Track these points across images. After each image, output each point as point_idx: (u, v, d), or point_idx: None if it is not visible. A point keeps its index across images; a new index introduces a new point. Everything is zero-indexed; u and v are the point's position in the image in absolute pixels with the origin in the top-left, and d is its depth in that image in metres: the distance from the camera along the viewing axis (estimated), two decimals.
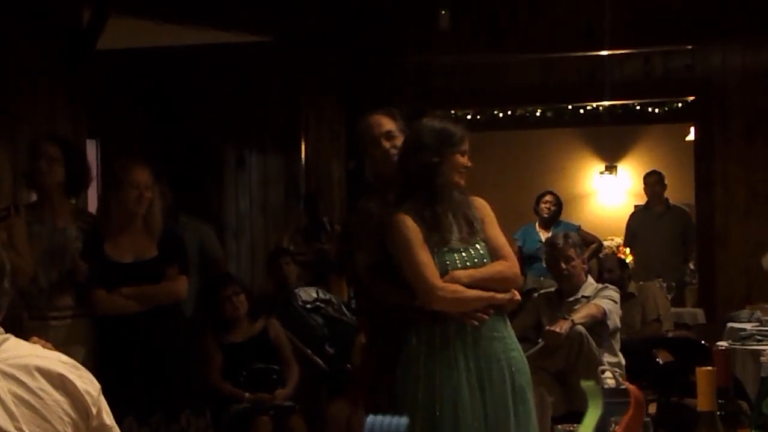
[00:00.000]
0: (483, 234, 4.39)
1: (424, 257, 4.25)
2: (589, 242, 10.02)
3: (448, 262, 4.31)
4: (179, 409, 5.77)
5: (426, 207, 4.31)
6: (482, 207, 4.49)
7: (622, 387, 2.20)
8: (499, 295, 4.34)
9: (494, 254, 4.39)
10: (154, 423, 5.66)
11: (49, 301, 5.73)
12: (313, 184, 10.13)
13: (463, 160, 4.37)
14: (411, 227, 4.26)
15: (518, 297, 4.50)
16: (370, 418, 1.57)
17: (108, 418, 2.32)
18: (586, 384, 2.15)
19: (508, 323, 4.48)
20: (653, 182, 11.08)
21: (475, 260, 4.35)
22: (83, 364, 5.63)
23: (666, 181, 11.05)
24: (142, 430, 5.62)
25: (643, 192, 11.43)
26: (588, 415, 2.08)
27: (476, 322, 4.28)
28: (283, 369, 7.24)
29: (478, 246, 4.36)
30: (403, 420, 1.55)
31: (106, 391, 5.24)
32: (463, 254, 4.34)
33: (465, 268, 4.32)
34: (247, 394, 7.00)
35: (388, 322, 4.42)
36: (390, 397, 4.34)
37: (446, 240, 4.32)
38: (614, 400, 2.22)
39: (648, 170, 11.61)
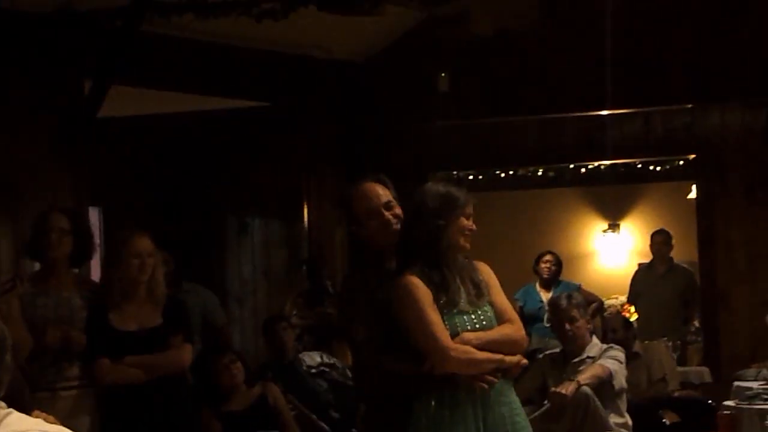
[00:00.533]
0: (488, 297, 4.39)
1: (435, 318, 4.22)
2: (590, 302, 10.00)
3: (457, 325, 4.28)
4: None
5: (433, 270, 4.30)
6: (486, 272, 4.48)
7: None
8: (508, 358, 4.32)
9: (500, 318, 4.38)
10: None
11: (57, 372, 5.71)
12: (316, 249, 10.13)
13: (468, 224, 4.37)
14: (421, 288, 4.24)
15: (525, 361, 4.48)
16: None
17: None
18: None
19: (512, 387, 4.46)
20: (660, 241, 11.04)
21: (484, 323, 4.33)
22: None
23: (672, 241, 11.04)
24: None
25: (646, 250, 11.40)
26: None
27: (486, 386, 4.26)
28: None
29: (486, 309, 4.35)
30: None
31: None
32: (473, 317, 4.32)
33: (474, 330, 4.31)
34: None
35: (391, 394, 4.38)
36: None
37: (455, 302, 4.30)
38: None
39: (651, 228, 11.60)
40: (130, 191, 9.56)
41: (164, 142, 9.90)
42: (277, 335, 8.09)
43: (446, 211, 4.32)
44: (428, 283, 4.26)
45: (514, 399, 4.39)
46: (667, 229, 11.24)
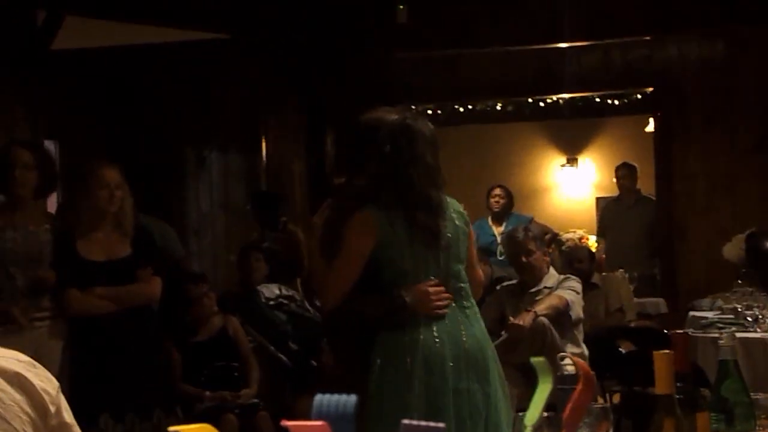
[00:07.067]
0: None
1: None
2: (543, 233, 10.03)
3: None
4: (151, 406, 5.78)
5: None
6: None
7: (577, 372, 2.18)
8: None
9: None
10: (128, 420, 5.67)
11: (29, 303, 5.69)
12: (274, 183, 10.09)
13: None
14: None
15: None
16: (318, 396, 1.55)
17: (68, 415, 2.27)
18: (536, 360, 2.13)
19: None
20: (623, 175, 11.10)
21: None
22: (64, 364, 5.63)
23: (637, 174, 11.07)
24: (117, 427, 5.63)
25: (605, 183, 11.45)
26: (538, 391, 2.06)
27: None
28: (243, 366, 7.21)
29: None
30: (352, 398, 1.54)
31: (81, 389, 5.24)
32: None
33: None
34: (207, 393, 6.97)
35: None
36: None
37: None
38: (572, 386, 2.21)
39: (609, 162, 11.63)
40: (87, 124, 9.47)
41: (122, 74, 9.80)
42: (249, 265, 8.11)
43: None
44: None
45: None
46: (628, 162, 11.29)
